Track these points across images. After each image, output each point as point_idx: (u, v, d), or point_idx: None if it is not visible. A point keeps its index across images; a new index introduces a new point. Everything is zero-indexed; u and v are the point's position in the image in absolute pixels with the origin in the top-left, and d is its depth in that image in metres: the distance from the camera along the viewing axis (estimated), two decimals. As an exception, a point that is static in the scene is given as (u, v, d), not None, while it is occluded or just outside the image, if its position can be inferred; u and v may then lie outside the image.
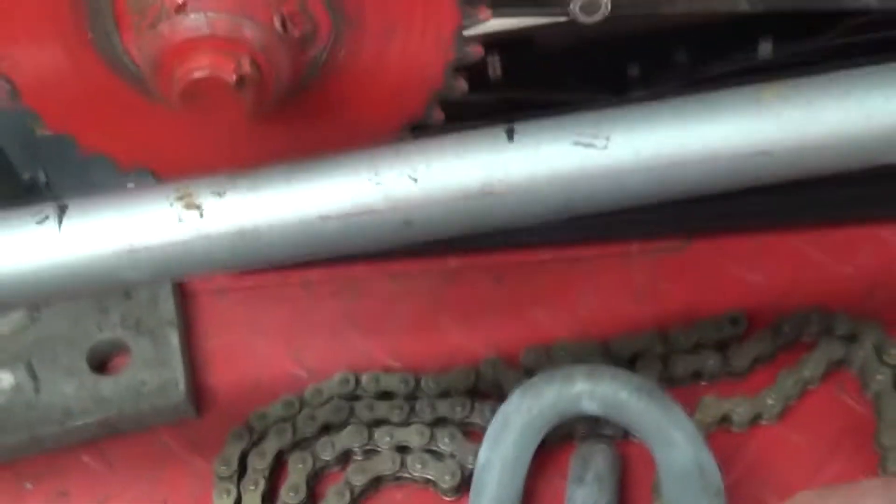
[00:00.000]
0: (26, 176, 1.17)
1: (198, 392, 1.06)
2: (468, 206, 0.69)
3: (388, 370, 1.06)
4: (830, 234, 1.11)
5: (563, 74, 1.05)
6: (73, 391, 1.05)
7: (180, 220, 0.69)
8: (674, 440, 0.92)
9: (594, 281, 1.11)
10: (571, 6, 0.75)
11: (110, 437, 1.05)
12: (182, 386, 1.04)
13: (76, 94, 0.71)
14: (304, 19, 0.67)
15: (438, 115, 0.75)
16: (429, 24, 0.68)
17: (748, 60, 1.13)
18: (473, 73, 0.74)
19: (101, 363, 1.08)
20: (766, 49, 1.11)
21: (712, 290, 1.09)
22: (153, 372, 1.06)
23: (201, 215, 0.69)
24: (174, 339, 1.07)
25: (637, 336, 1.04)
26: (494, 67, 1.05)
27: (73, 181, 1.17)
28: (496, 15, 0.74)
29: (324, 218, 0.69)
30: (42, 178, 1.18)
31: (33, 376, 1.06)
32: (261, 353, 1.10)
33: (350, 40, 0.69)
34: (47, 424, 1.04)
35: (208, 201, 0.69)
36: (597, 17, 0.76)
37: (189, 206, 0.69)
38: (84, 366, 1.07)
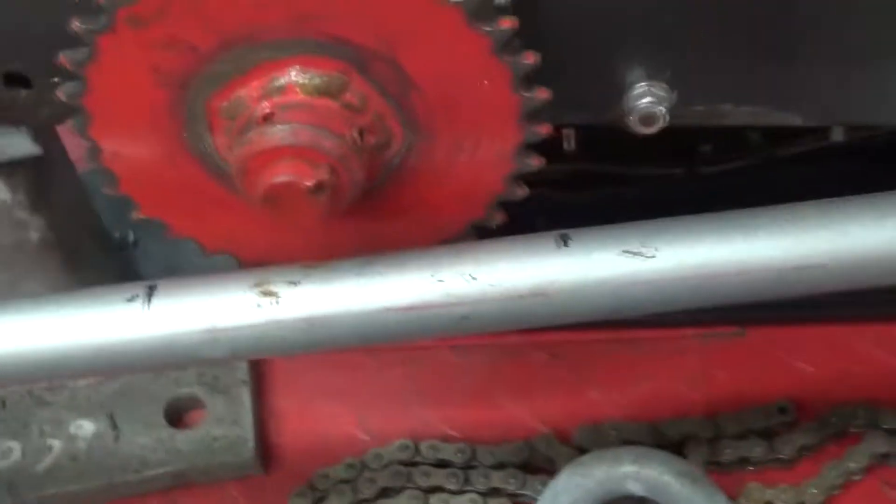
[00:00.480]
0: (117, 235, 1.25)
1: (265, 449, 1.12)
2: (520, 306, 0.74)
3: (446, 439, 1.11)
4: (883, 329, 1.13)
5: (634, 149, 1.10)
6: (149, 442, 1.12)
7: (258, 306, 0.75)
8: (715, 526, 0.96)
9: (648, 364, 1.15)
10: (631, 118, 0.79)
11: (181, 487, 1.11)
12: (252, 444, 1.10)
13: (169, 185, 0.78)
14: (379, 130, 0.73)
15: (499, 216, 0.80)
16: (493, 139, 0.74)
17: (819, 142, 1.17)
18: (549, 144, 0.78)
19: (177, 417, 1.15)
20: (838, 132, 1.15)
21: (763, 379, 1.12)
22: (225, 428, 1.12)
23: (277, 302, 0.75)
24: (246, 399, 1.14)
25: (686, 419, 1.08)
26: (569, 140, 1.10)
27: (158, 241, 1.25)
28: (556, 122, 0.80)
29: (388, 310, 0.74)
30: (131, 237, 1.25)
31: (113, 426, 1.13)
32: (326, 415, 1.15)
33: (421, 150, 0.75)
34: (124, 473, 1.10)
35: (284, 290, 0.75)
36: (653, 129, 0.80)
37: (266, 294, 0.75)
38: (161, 419, 1.13)
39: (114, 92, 0.73)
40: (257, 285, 0.76)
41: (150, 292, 0.76)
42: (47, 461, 1.10)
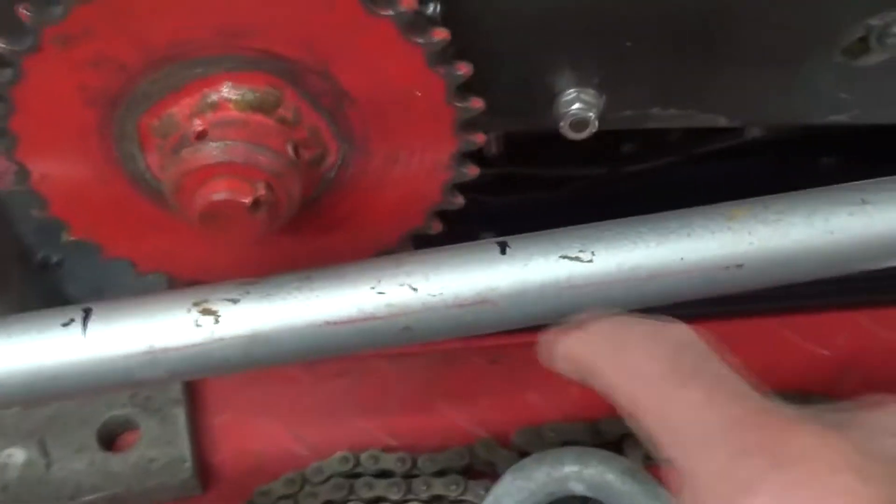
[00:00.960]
0: (39, 255, 1.22)
1: (203, 469, 1.11)
2: (463, 314, 0.74)
3: (386, 449, 1.11)
4: (808, 318, 1.16)
5: (559, 151, 1.11)
6: (83, 467, 1.10)
7: (197, 325, 0.74)
8: (658, 523, 0.97)
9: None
10: (562, 125, 0.80)
11: (119, 512, 1.09)
12: (189, 463, 1.09)
13: (100, 206, 0.77)
14: (314, 144, 0.73)
15: (436, 225, 0.80)
16: (428, 150, 0.74)
17: (736, 139, 1.20)
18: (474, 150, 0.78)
19: (110, 440, 1.13)
20: (753, 129, 1.18)
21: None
22: (161, 449, 1.11)
23: (216, 321, 0.74)
24: (181, 418, 1.12)
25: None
26: (493, 145, 1.11)
27: (82, 261, 1.23)
28: (489, 130, 0.81)
29: (330, 324, 0.74)
30: (54, 257, 1.23)
31: (45, 453, 1.11)
32: (263, 431, 1.15)
33: (356, 163, 0.75)
34: (58, 500, 1.08)
35: (223, 308, 0.75)
36: (584, 135, 0.81)
37: (205, 312, 0.74)
38: (94, 443, 1.11)
39: (41, 113, 0.71)
40: (196, 305, 0.75)
41: (86, 316, 0.75)
42: (-23, 493, 1.08)
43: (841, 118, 0.85)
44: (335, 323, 0.75)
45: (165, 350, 0.75)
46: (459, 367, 1.17)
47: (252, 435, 1.14)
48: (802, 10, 0.78)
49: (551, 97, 0.83)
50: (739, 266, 0.76)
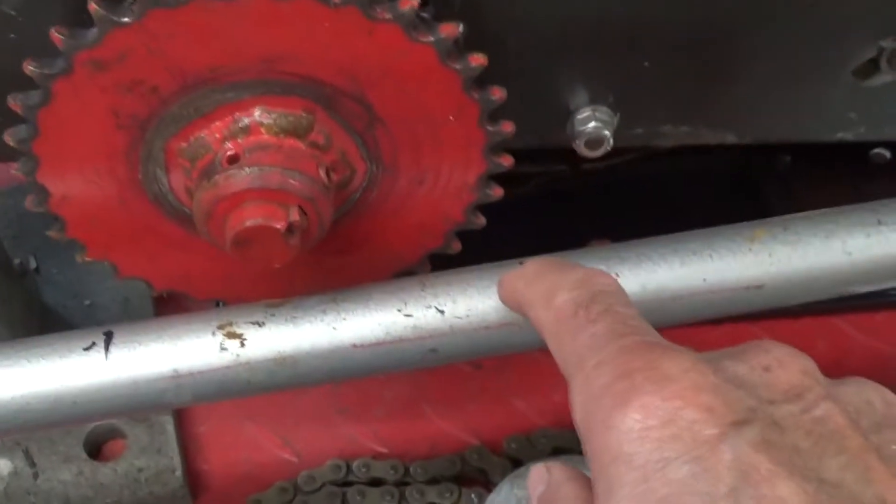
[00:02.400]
0: (17, 261, 1.20)
1: (192, 478, 1.10)
2: (489, 336, 0.75)
3: (376, 456, 1.11)
4: (788, 324, 1.19)
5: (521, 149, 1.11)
6: (71, 478, 1.08)
7: (222, 349, 0.73)
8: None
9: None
10: (577, 142, 0.81)
11: (108, 523, 1.08)
12: (179, 473, 1.08)
13: (119, 226, 0.76)
14: (343, 166, 0.73)
15: (456, 245, 0.81)
16: (455, 173, 0.74)
17: None
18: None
19: (96, 449, 1.11)
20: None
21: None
22: (150, 459, 1.09)
23: (242, 344, 0.74)
24: (169, 426, 1.11)
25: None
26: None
27: (60, 266, 1.21)
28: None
29: (357, 346, 0.74)
30: (32, 263, 1.21)
31: (31, 463, 1.09)
32: (252, 438, 1.14)
33: (383, 184, 0.75)
34: (47, 512, 1.06)
35: (249, 331, 0.74)
36: (598, 153, 0.82)
37: (230, 336, 0.74)
38: (81, 452, 1.10)
39: (68, 136, 0.70)
40: (220, 328, 0.75)
41: (108, 339, 0.74)
42: (-38, 505, 1.06)
43: (847, 136, 0.87)
44: (362, 346, 0.75)
45: (191, 374, 0.74)
46: (444, 372, 1.17)
47: (240, 442, 1.13)
48: (816, 31, 0.80)
49: (566, 115, 0.83)
50: (759, 287, 0.77)
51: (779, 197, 1.26)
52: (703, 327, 1.16)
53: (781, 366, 0.52)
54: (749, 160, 1.29)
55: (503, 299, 0.72)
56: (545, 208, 1.27)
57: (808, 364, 0.53)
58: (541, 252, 0.80)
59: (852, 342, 1.17)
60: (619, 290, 0.61)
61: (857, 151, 1.21)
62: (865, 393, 0.53)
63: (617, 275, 0.76)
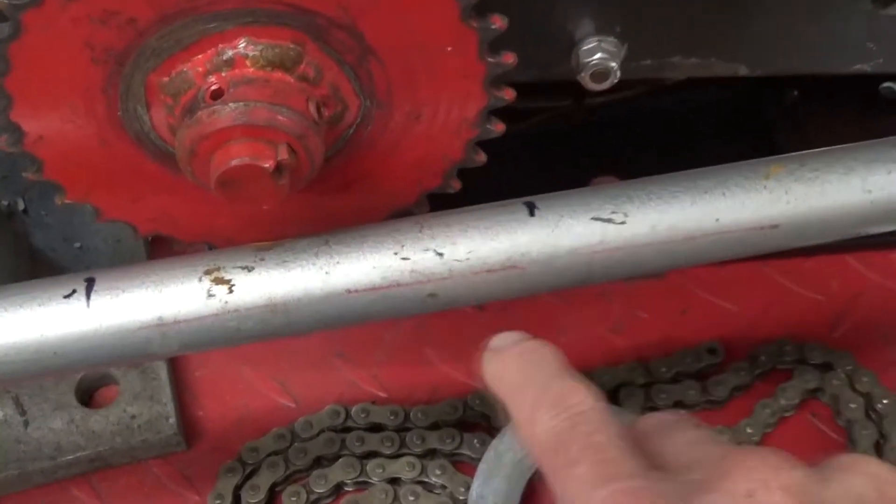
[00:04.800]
0: (5, 203, 1.16)
1: (187, 424, 1.07)
2: (491, 280, 0.71)
3: (376, 401, 1.08)
4: (800, 263, 1.14)
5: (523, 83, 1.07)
6: (63, 426, 1.05)
7: (210, 295, 0.70)
8: (662, 475, 0.96)
9: (573, 311, 1.13)
10: (582, 75, 0.77)
11: (101, 470, 1.05)
12: (173, 419, 1.05)
13: (99, 167, 0.72)
14: (335, 102, 0.68)
15: (455, 184, 0.77)
16: (454, 107, 0.70)
17: None
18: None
19: (88, 397, 1.08)
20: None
21: (687, 320, 1.12)
22: (142, 405, 1.06)
23: (230, 290, 0.70)
24: (163, 372, 1.08)
25: (619, 367, 1.07)
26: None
27: (50, 208, 1.17)
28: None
29: (352, 292, 0.70)
30: (21, 205, 1.17)
31: (21, 411, 1.06)
32: (248, 383, 1.11)
33: (377, 119, 0.71)
34: (38, 460, 1.03)
35: (237, 277, 0.70)
36: (605, 86, 0.78)
37: (218, 282, 0.70)
38: (73, 400, 1.07)
39: (41, 71, 0.66)
40: (207, 273, 0.71)
41: (90, 286, 0.70)
42: (-49, 454, 1.03)
43: (865, 67, 0.83)
44: (357, 291, 0.71)
45: (177, 322, 0.71)
46: (446, 315, 1.12)
47: (236, 388, 1.10)
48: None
49: (570, 46, 0.79)
50: (775, 226, 0.73)
51: (786, 131, 1.22)
52: (711, 267, 1.13)
53: (766, 489, 0.50)
54: (756, 94, 1.25)
55: (482, 377, 0.70)
56: (547, 144, 1.23)
57: (795, 476, 0.51)
58: (544, 189, 0.76)
59: (866, 282, 1.14)
60: (596, 411, 0.59)
61: (867, 85, 1.16)
62: (855, 488, 0.51)
63: (626, 214, 0.72)
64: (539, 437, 0.60)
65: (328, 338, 1.13)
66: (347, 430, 1.07)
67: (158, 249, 1.13)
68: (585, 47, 0.78)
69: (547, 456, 0.59)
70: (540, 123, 1.24)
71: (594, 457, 0.55)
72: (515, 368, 0.66)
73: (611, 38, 0.79)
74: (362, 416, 1.06)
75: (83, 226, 1.16)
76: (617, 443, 0.56)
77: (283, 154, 0.65)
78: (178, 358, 1.11)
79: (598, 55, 0.78)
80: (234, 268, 0.71)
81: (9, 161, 1.18)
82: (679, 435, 0.60)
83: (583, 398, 0.60)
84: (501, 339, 0.68)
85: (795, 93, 1.25)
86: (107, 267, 0.73)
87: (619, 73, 0.78)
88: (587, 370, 1.08)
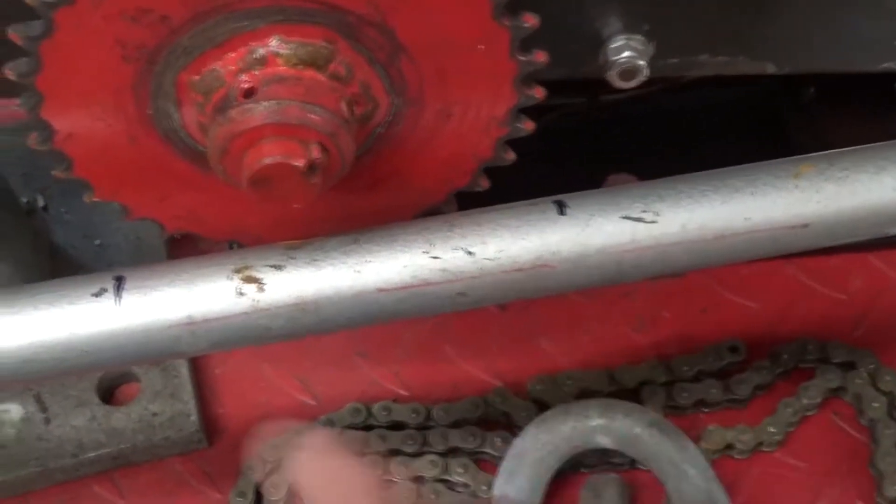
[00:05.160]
0: (25, 200, 1.16)
1: (208, 422, 1.07)
2: (521, 278, 0.71)
3: (397, 399, 1.07)
4: (823, 261, 1.14)
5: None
6: (84, 423, 1.05)
7: (240, 294, 0.70)
8: (686, 474, 0.96)
9: (595, 308, 1.13)
10: (610, 73, 0.76)
11: (122, 467, 1.05)
12: (194, 417, 1.05)
13: (128, 165, 0.72)
14: (365, 100, 0.68)
15: (484, 182, 0.76)
16: (484, 105, 0.70)
17: None
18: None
19: (109, 394, 1.08)
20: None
21: (709, 318, 1.12)
22: (164, 403, 1.06)
23: (260, 289, 0.70)
24: (184, 369, 1.08)
25: (640, 365, 1.07)
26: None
27: (70, 206, 1.17)
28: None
29: (382, 290, 0.70)
30: (40, 201, 1.17)
31: (43, 408, 1.06)
32: (268, 381, 1.11)
33: (407, 117, 0.71)
34: (60, 457, 1.03)
35: (267, 275, 0.70)
36: (632, 84, 0.77)
37: (248, 280, 0.70)
38: (94, 397, 1.07)
39: (72, 70, 0.66)
40: (237, 272, 0.71)
41: (119, 285, 0.70)
42: (-27, 451, 1.03)
43: (893, 66, 0.82)
44: (387, 290, 0.71)
45: (207, 321, 0.70)
46: (467, 313, 1.12)
47: (257, 385, 1.10)
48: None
49: (598, 44, 0.79)
50: (805, 226, 0.73)
51: (801, 130, 1.22)
52: (733, 266, 1.12)
53: None
54: (770, 93, 1.24)
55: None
56: (560, 141, 1.23)
57: None
58: (558, 186, 0.76)
59: (888, 280, 1.14)
60: None
61: (882, 83, 1.16)
62: None
63: (656, 213, 0.71)
64: None
65: (349, 336, 1.13)
66: (369, 427, 1.06)
67: (177, 248, 1.13)
68: (613, 45, 0.78)
69: None
70: (554, 121, 1.24)
71: None
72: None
73: (639, 37, 0.78)
74: (384, 413, 1.06)
75: (103, 223, 1.16)
76: None
77: (315, 153, 0.64)
78: (198, 356, 1.11)
79: (627, 53, 0.77)
80: (264, 266, 0.71)
81: (29, 159, 1.18)
82: None
83: None
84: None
85: (811, 91, 1.24)
86: (134, 265, 0.73)
87: (647, 72, 0.77)
88: (609, 368, 1.07)
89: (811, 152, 0.78)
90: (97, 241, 1.14)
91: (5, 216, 1.05)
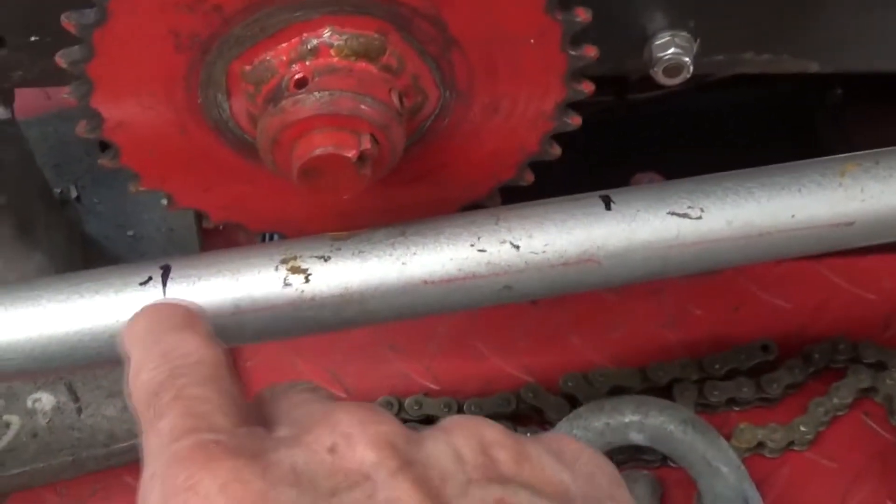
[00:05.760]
0: (58, 191, 1.17)
1: (239, 414, 1.07)
2: (566, 273, 0.71)
3: (428, 393, 1.08)
4: (855, 262, 1.14)
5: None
6: (116, 413, 1.06)
7: (286, 284, 0.70)
8: (719, 472, 0.96)
9: (626, 305, 1.13)
10: (655, 70, 0.76)
11: (153, 458, 1.05)
12: (226, 409, 1.05)
13: (176, 155, 0.72)
14: (415, 93, 0.68)
15: (528, 176, 0.76)
16: (533, 99, 0.70)
17: None
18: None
19: (141, 384, 1.08)
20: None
21: (740, 317, 1.12)
22: (195, 394, 1.06)
23: (307, 280, 0.70)
24: (216, 361, 1.07)
25: (672, 363, 1.07)
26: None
27: (103, 196, 1.17)
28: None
29: (428, 283, 0.70)
30: (73, 192, 1.18)
31: (75, 398, 1.06)
32: (299, 373, 1.11)
33: (456, 111, 0.71)
34: (91, 447, 1.04)
35: (314, 266, 0.70)
36: (677, 81, 0.77)
37: (294, 271, 0.70)
38: (125, 387, 1.06)
39: (124, 58, 0.66)
40: (284, 262, 0.71)
41: (166, 274, 0.70)
42: (5, 440, 1.03)
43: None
44: (433, 282, 0.71)
45: (254, 310, 0.70)
46: (499, 308, 1.12)
47: (287, 378, 1.08)
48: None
49: (643, 40, 0.79)
50: (850, 224, 0.73)
51: (830, 131, 1.21)
52: (765, 264, 1.13)
53: (349, 443, 0.46)
54: (798, 94, 1.24)
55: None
56: (586, 139, 1.23)
57: (382, 431, 0.46)
58: (585, 183, 0.76)
59: (918, 280, 1.13)
60: (204, 364, 0.54)
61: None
62: (454, 446, 0.48)
63: (702, 210, 0.71)
64: (137, 390, 0.55)
65: (380, 329, 1.13)
66: (402, 421, 1.06)
67: (210, 239, 1.14)
68: (658, 42, 0.78)
69: (139, 410, 0.54)
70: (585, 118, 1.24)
71: (182, 409, 0.50)
72: (142, 326, 0.60)
73: (684, 33, 0.78)
74: (415, 408, 1.06)
75: (136, 214, 1.17)
76: (213, 397, 0.51)
77: (366, 144, 0.64)
78: (229, 347, 1.11)
79: (672, 50, 0.77)
80: (310, 257, 0.71)
81: (61, 150, 1.19)
82: (288, 397, 0.57)
83: (192, 350, 0.55)
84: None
85: (838, 92, 1.24)
86: (179, 255, 0.73)
87: (692, 69, 0.77)
88: (641, 365, 1.07)
89: (837, 153, 0.78)
90: (130, 232, 1.15)
91: (39, 207, 1.05)
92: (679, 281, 1.14)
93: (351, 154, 0.64)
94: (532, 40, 0.67)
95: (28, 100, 1.22)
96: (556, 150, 0.75)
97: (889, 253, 1.15)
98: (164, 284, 0.70)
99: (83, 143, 1.16)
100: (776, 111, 1.28)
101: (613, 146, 1.24)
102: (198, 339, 0.57)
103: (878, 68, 0.83)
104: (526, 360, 1.10)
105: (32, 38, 0.73)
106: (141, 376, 0.55)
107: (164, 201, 0.76)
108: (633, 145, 1.25)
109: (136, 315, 0.61)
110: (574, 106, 1.19)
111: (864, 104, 1.23)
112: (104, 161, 0.73)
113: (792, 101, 1.27)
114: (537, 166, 0.78)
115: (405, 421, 1.06)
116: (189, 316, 0.60)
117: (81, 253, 1.11)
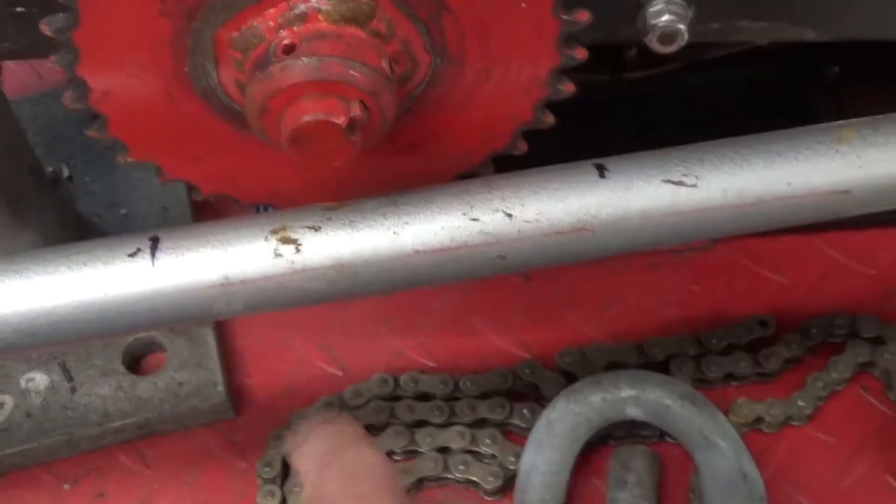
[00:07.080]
0: (50, 169, 1.16)
1: (234, 392, 1.06)
2: (560, 242, 0.70)
3: (424, 370, 1.07)
4: (852, 236, 1.13)
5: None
6: (110, 392, 1.05)
7: (277, 255, 0.69)
8: (718, 447, 0.95)
9: (622, 281, 1.12)
10: (649, 37, 0.75)
11: (147, 437, 1.04)
12: (221, 387, 1.05)
13: (165, 125, 0.71)
14: (405, 59, 0.67)
15: (522, 145, 0.76)
16: (525, 66, 0.69)
17: (742, 46, 1.14)
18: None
19: (135, 363, 1.08)
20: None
21: (738, 292, 1.11)
22: (191, 373, 1.06)
23: (297, 250, 0.69)
24: (210, 339, 1.07)
25: (670, 338, 1.06)
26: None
27: (95, 174, 1.17)
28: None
29: (420, 252, 0.69)
30: (65, 171, 1.17)
31: (69, 377, 1.05)
32: (295, 351, 1.10)
33: (447, 77, 0.70)
34: (85, 426, 1.03)
35: (305, 236, 0.69)
36: (672, 48, 0.76)
37: (285, 241, 0.69)
38: (119, 366, 1.06)
39: (110, 24, 0.65)
40: (274, 233, 0.70)
41: (154, 245, 0.69)
42: (-1, 419, 1.02)
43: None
44: (425, 252, 0.70)
45: (243, 282, 0.70)
46: (494, 283, 1.12)
47: (284, 356, 1.10)
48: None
49: (637, 7, 0.77)
50: (846, 192, 0.72)
51: (827, 108, 1.20)
52: (762, 239, 1.12)
53: None
54: (795, 71, 1.23)
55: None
56: (583, 118, 1.22)
57: None
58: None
59: (917, 255, 1.12)
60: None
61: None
62: None
63: (697, 177, 0.70)
64: None
65: (375, 306, 1.13)
66: (396, 398, 1.06)
67: (202, 215, 1.13)
68: (653, 9, 0.77)
69: None
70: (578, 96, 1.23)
71: None
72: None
73: (678, 1, 0.77)
74: (411, 384, 1.06)
75: (128, 192, 1.16)
76: None
77: (356, 110, 0.64)
78: (224, 325, 1.11)
79: (666, 17, 0.76)
80: (301, 227, 0.70)
81: (53, 129, 1.18)
82: None
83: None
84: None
85: (836, 69, 1.23)
86: (170, 227, 0.72)
87: (686, 36, 0.76)
88: (638, 341, 1.07)
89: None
90: (122, 211, 1.14)
91: (30, 186, 1.04)
92: (676, 256, 1.13)
93: (340, 121, 0.64)
94: (523, 4, 0.66)
95: (20, 79, 1.22)
96: (550, 119, 0.74)
97: (887, 227, 1.14)
98: (153, 256, 0.70)
99: (75, 122, 1.15)
100: (774, 90, 1.27)
101: (609, 125, 1.22)
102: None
103: (875, 36, 0.82)
104: (522, 336, 1.09)
105: (18, 9, 0.72)
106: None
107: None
108: (630, 124, 1.23)
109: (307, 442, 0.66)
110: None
111: (862, 81, 1.21)
112: (92, 132, 0.72)
113: (788, 79, 1.26)
114: (532, 140, 0.76)
115: (401, 398, 1.05)
116: None
117: (73, 232, 1.10)
